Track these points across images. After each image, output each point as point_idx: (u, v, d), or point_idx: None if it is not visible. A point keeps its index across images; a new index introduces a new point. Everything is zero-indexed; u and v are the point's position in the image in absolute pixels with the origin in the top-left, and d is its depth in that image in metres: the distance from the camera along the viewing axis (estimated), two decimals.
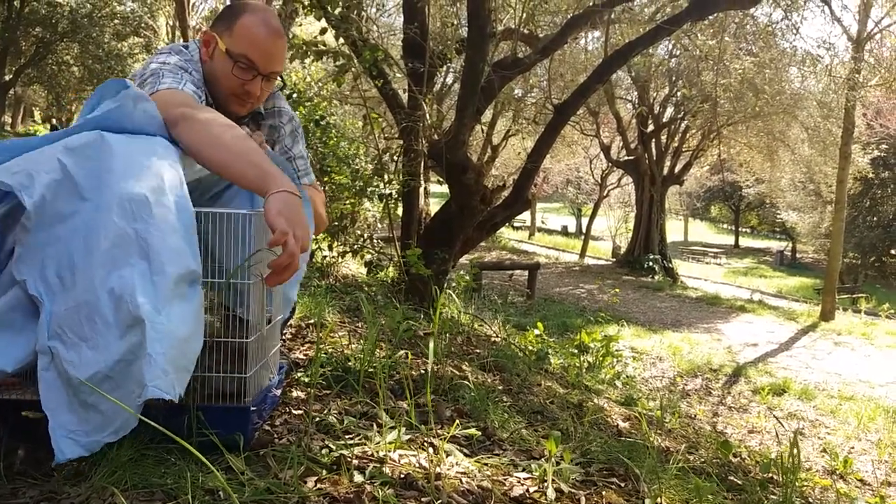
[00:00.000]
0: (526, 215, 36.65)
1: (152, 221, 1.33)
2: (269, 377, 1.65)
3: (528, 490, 1.48)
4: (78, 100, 21.09)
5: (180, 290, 1.33)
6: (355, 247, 5.71)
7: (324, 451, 1.48)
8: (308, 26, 10.27)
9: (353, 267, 6.16)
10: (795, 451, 1.70)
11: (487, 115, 15.27)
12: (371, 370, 2.05)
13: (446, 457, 1.54)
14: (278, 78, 1.92)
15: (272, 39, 1.82)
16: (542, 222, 42.42)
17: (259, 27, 1.80)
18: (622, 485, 1.68)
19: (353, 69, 5.63)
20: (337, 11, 5.29)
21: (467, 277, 5.94)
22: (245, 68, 1.80)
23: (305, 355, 2.32)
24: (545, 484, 1.49)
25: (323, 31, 5.48)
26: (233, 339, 1.49)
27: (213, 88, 1.86)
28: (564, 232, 40.52)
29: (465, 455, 1.61)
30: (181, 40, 15.27)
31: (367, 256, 5.80)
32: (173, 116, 1.58)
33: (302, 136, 2.14)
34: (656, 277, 20.41)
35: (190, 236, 1.38)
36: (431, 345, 2.07)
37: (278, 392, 1.72)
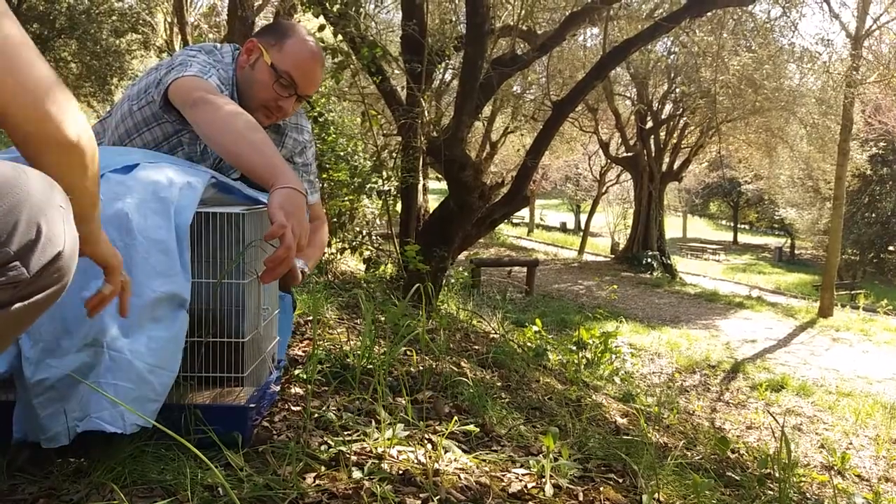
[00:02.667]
0: (525, 212, 36.67)
1: (139, 236, 1.31)
2: (267, 374, 1.65)
3: (526, 486, 1.48)
4: (77, 96, 21.07)
5: (158, 313, 1.31)
6: (354, 243, 5.71)
7: (322, 448, 1.49)
8: (306, 23, 10.25)
9: (351, 264, 6.16)
10: (786, 445, 1.71)
11: (486, 112, 15.29)
12: (370, 367, 2.05)
13: (444, 453, 1.55)
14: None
15: (317, 66, 1.92)
16: (541, 219, 42.44)
17: (307, 52, 1.89)
18: (620, 480, 1.69)
19: (351, 66, 5.62)
20: (335, 8, 5.28)
21: (466, 274, 5.94)
22: (286, 85, 1.86)
23: (304, 352, 2.32)
24: (543, 480, 1.49)
25: (321, 28, 5.48)
26: (229, 339, 1.49)
27: (244, 95, 1.90)
28: (563, 228, 40.52)
29: (464, 451, 1.62)
30: (179, 37, 15.24)
31: (366, 253, 5.80)
32: (191, 99, 1.62)
33: (314, 148, 2.19)
34: (655, 274, 20.43)
35: (182, 255, 1.36)
36: (425, 333, 2.08)
37: (276, 388, 1.72)
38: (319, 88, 6.15)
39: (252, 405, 1.48)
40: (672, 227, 32.84)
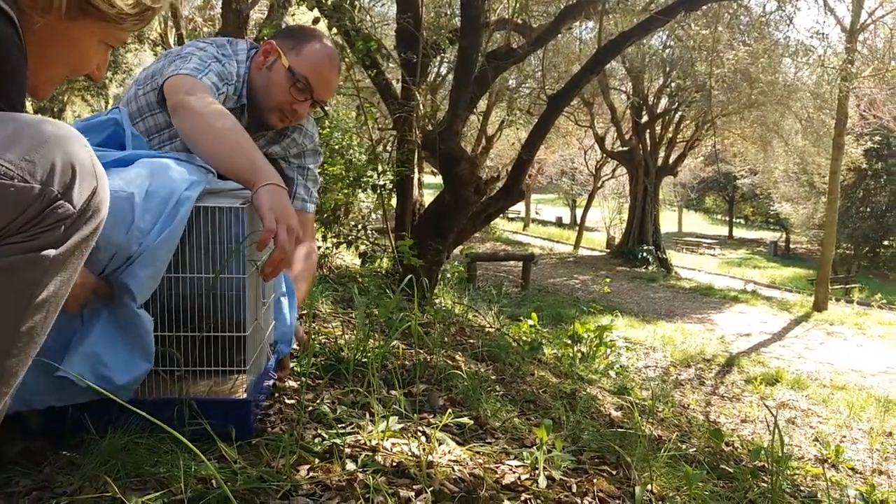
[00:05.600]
0: (520, 206, 36.69)
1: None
2: (265, 363, 1.65)
3: (519, 478, 1.49)
4: (70, 90, 20.97)
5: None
6: (349, 238, 5.70)
7: (316, 440, 1.49)
8: (301, 16, 10.22)
9: (347, 258, 6.15)
10: (778, 436, 1.71)
11: (482, 106, 15.27)
12: (364, 360, 2.06)
13: (438, 445, 1.55)
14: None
15: (333, 72, 1.94)
16: (537, 213, 42.45)
17: (326, 58, 1.91)
18: (613, 472, 1.69)
19: (346, 59, 5.60)
20: (330, 1, 5.26)
21: (461, 268, 5.94)
22: (302, 89, 1.87)
23: (299, 345, 2.32)
24: (536, 471, 1.50)
25: (316, 21, 5.46)
26: (230, 334, 1.48)
27: (258, 95, 1.90)
28: (559, 223, 40.55)
29: (458, 443, 1.62)
30: (174, 30, 15.19)
31: (362, 247, 5.79)
32: (174, 103, 1.63)
33: (320, 159, 2.18)
34: (650, 268, 20.47)
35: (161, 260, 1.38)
36: (417, 326, 2.08)
37: (271, 381, 1.72)
38: None
39: (251, 399, 1.48)
40: (667, 221, 32.88)
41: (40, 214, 0.85)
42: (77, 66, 1.11)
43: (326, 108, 2.20)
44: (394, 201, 6.50)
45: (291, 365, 2.00)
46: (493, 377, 2.67)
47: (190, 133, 1.60)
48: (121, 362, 1.32)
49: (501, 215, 21.13)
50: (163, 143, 1.83)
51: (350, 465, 1.37)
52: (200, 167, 1.53)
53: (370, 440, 1.50)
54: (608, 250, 25.49)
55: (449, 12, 9.45)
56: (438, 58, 10.48)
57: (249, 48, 1.96)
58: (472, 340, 3.38)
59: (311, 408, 1.69)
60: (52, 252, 0.87)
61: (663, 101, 21.78)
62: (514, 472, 1.51)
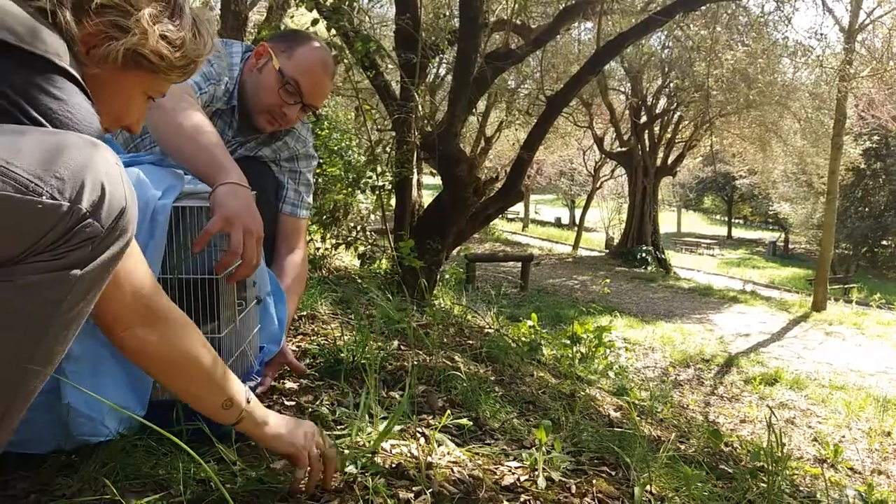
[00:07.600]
0: (519, 207, 36.69)
1: None
2: (247, 367, 1.64)
3: (518, 479, 1.49)
4: None
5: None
6: (348, 239, 5.70)
7: None
8: (300, 17, 10.22)
9: (346, 259, 6.15)
10: (774, 437, 1.71)
11: (481, 107, 15.27)
12: (363, 361, 2.05)
13: (438, 446, 1.55)
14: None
15: (325, 77, 1.91)
16: (536, 214, 42.47)
17: (317, 62, 1.89)
18: (612, 473, 1.69)
19: (345, 60, 5.61)
20: (329, 2, 5.27)
21: (460, 270, 5.94)
22: (291, 92, 1.86)
23: (298, 347, 2.32)
24: (536, 473, 1.50)
25: (314, 22, 5.46)
26: (205, 334, 1.47)
27: (248, 97, 1.89)
28: (558, 223, 40.55)
29: (457, 445, 1.62)
30: None
31: (361, 248, 5.79)
32: None
33: (314, 164, 2.17)
34: (649, 268, 20.47)
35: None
36: (412, 328, 2.08)
37: (255, 382, 1.71)
38: None
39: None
40: (666, 221, 32.90)
41: (68, 233, 0.84)
42: (120, 115, 1.14)
43: (319, 113, 2.17)
44: (393, 202, 6.50)
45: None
46: (493, 378, 2.66)
47: (155, 128, 1.59)
48: (111, 407, 1.28)
49: (500, 216, 21.13)
50: (154, 143, 1.83)
51: (349, 467, 1.37)
52: (176, 171, 1.52)
53: (369, 441, 1.50)
54: (607, 251, 25.49)
55: (448, 13, 9.46)
56: (437, 59, 10.48)
57: (245, 51, 1.95)
58: (471, 341, 3.38)
59: (310, 409, 1.69)
60: (77, 272, 0.87)
61: (662, 102, 21.80)
62: (513, 474, 1.51)
